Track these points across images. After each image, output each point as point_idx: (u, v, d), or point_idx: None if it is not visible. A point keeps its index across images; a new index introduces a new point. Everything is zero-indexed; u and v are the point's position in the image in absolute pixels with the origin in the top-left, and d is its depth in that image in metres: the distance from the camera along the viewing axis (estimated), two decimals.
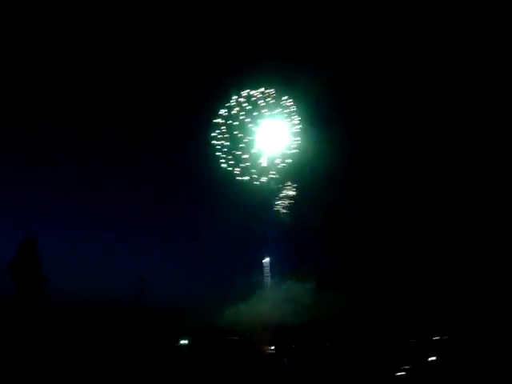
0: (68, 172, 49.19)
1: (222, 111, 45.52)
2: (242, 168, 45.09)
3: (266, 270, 47.94)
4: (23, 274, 34.26)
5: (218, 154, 44.89)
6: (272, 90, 46.53)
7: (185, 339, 41.88)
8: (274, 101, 46.57)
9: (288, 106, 46.87)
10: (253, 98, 46.17)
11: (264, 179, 45.42)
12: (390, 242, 45.42)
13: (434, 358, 36.42)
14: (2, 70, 43.98)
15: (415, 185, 45.45)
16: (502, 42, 41.33)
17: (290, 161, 45.69)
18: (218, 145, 45.37)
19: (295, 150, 45.57)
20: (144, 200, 51.47)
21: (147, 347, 36.87)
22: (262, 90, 46.18)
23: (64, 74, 46.84)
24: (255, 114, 45.96)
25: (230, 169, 44.87)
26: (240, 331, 43.08)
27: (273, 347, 42.24)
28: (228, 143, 45.56)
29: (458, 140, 43.84)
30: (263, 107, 46.11)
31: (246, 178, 45.02)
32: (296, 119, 46.66)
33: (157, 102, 48.77)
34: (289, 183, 46.66)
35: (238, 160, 45.26)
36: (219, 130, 45.56)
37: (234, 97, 45.84)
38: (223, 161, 44.92)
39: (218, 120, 45.53)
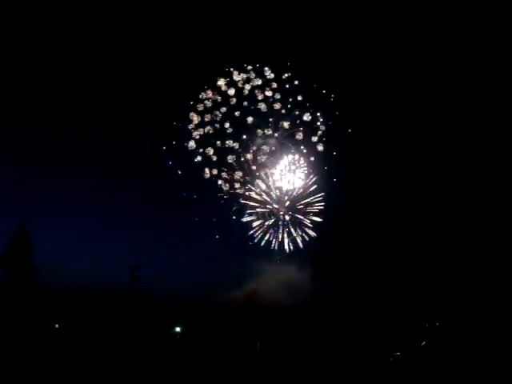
0: (59, 161, 48.90)
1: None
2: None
3: None
4: (16, 264, 34.32)
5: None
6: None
7: (178, 327, 42.47)
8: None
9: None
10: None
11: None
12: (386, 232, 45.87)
13: (424, 344, 37.11)
14: None
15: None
16: (502, 43, 41.42)
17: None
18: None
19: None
20: (138, 186, 51.49)
21: (140, 335, 37.36)
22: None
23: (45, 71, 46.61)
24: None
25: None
26: (234, 318, 43.61)
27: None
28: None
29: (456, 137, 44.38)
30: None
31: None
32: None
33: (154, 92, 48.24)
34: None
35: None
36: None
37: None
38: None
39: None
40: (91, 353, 31.00)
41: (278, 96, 41.78)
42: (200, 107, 41.82)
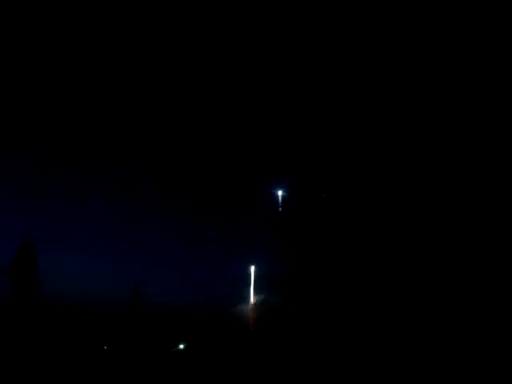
0: (63, 174, 49.43)
1: None
2: None
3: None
4: (20, 278, 34.41)
5: None
6: None
7: (182, 344, 41.84)
8: None
9: None
10: None
11: None
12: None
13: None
14: None
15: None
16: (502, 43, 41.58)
17: None
18: None
19: None
20: (144, 200, 51.68)
21: (144, 352, 36.87)
22: None
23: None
24: None
25: None
26: (237, 333, 43.00)
27: None
28: None
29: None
30: None
31: None
32: None
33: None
34: None
35: None
36: None
37: None
38: None
39: None
40: (93, 368, 30.74)
41: None
42: None
